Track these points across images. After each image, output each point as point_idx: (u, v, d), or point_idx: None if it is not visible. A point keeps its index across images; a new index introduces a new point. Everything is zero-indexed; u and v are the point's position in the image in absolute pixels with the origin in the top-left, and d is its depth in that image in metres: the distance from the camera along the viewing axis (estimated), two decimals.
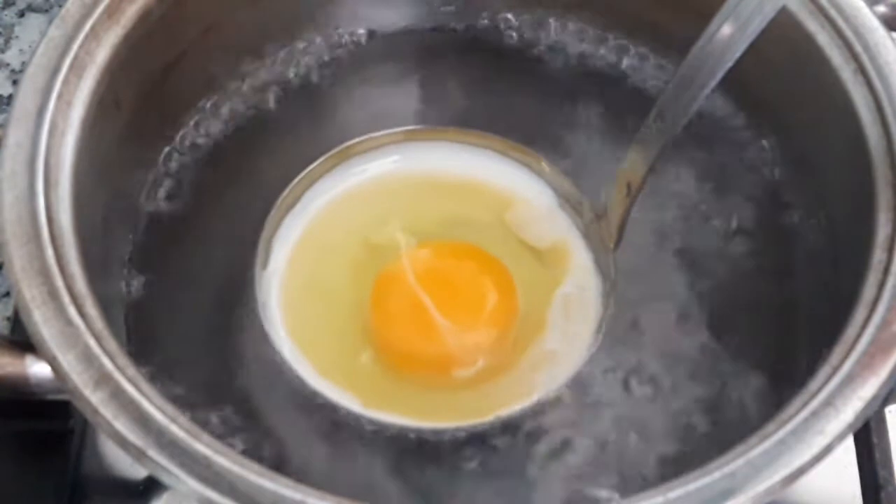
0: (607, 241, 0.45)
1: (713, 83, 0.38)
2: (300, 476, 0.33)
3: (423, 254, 0.46)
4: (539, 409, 0.42)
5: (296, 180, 0.47)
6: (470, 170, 0.49)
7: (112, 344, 0.35)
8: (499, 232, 0.48)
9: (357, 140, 0.49)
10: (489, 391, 0.44)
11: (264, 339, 0.44)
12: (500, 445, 0.42)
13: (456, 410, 0.43)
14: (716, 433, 0.42)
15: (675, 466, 0.40)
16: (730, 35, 0.37)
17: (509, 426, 0.42)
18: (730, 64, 0.37)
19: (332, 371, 0.44)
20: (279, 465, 0.41)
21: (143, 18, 0.43)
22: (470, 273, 0.46)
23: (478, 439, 0.42)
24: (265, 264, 0.46)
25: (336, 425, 0.42)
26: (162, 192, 0.47)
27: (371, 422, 0.42)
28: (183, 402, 0.37)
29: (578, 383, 0.43)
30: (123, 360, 0.35)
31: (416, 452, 0.42)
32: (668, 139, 0.40)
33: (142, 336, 0.44)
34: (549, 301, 0.46)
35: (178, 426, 0.33)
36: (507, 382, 0.44)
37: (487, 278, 0.45)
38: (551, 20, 0.52)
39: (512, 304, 0.45)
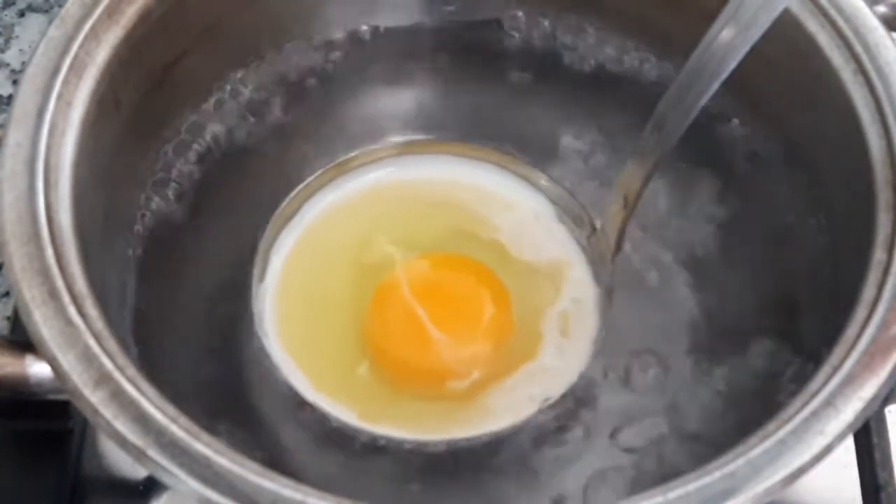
0: (605, 253, 0.45)
1: (711, 91, 0.38)
2: None
3: (419, 266, 0.46)
4: (534, 422, 0.42)
5: (293, 193, 0.47)
6: (467, 183, 0.49)
7: (112, 344, 0.35)
8: (496, 245, 0.48)
9: (355, 153, 0.49)
10: (485, 404, 0.44)
11: (261, 350, 0.44)
12: (496, 458, 0.42)
13: (452, 423, 0.43)
14: (716, 435, 0.42)
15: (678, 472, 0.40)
16: (729, 41, 0.37)
17: (504, 439, 0.42)
18: (728, 71, 0.37)
19: (329, 383, 0.44)
20: None
21: (143, 18, 0.43)
22: (466, 286, 0.46)
23: (473, 452, 0.42)
24: (262, 277, 0.46)
25: (331, 437, 0.42)
26: (162, 193, 0.47)
27: (367, 434, 0.42)
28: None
29: (574, 396, 0.43)
30: (123, 360, 0.35)
31: (411, 465, 0.42)
32: (666, 150, 0.40)
33: (140, 337, 0.44)
34: (546, 313, 0.46)
35: (178, 426, 0.33)
36: (503, 395, 0.44)
37: (483, 291, 0.45)
38: (552, 21, 0.52)
39: (507, 317, 0.45)
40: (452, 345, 0.44)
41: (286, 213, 0.47)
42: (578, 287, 0.46)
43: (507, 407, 0.43)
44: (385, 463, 0.42)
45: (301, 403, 0.43)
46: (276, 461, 0.41)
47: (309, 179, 0.48)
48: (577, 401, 0.43)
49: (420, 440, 0.42)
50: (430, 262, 0.47)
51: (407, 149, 0.50)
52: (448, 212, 0.49)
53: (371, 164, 0.49)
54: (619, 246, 0.45)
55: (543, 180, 0.49)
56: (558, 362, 0.44)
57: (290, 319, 0.46)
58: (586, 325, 0.45)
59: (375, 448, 0.42)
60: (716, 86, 0.38)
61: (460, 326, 0.44)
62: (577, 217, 0.47)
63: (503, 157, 0.49)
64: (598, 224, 0.46)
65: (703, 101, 0.38)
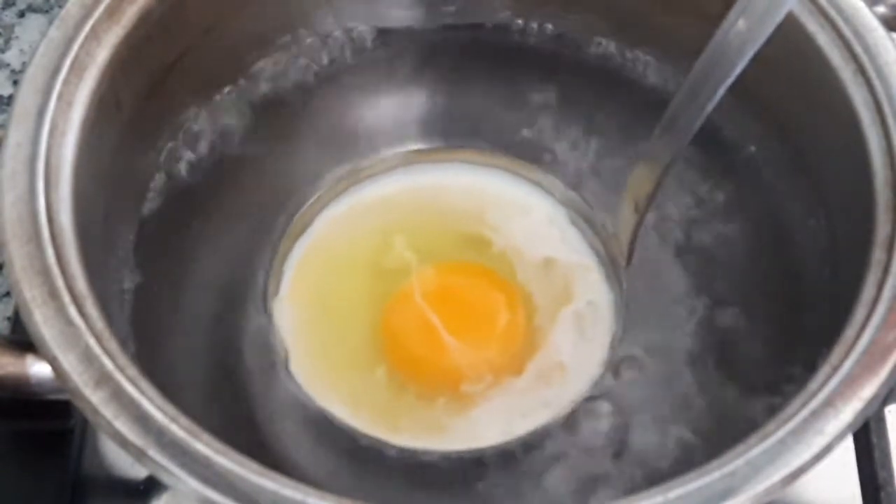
0: (619, 257, 0.45)
1: (723, 90, 0.37)
2: None
3: (433, 275, 0.46)
4: (550, 428, 0.43)
5: (305, 205, 0.48)
6: (480, 189, 0.50)
7: (112, 344, 0.35)
8: (510, 250, 0.48)
9: (366, 163, 0.49)
10: (501, 410, 0.44)
11: (272, 357, 0.44)
12: (512, 466, 0.42)
13: (469, 432, 0.43)
14: (719, 435, 0.42)
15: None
16: (742, 35, 0.36)
17: (522, 446, 0.42)
18: (740, 67, 0.37)
19: (344, 391, 0.44)
20: None
21: (144, 19, 0.43)
22: (479, 293, 0.46)
23: (490, 460, 0.42)
24: (277, 288, 0.46)
25: (345, 446, 0.42)
26: (163, 193, 0.47)
27: (382, 444, 0.42)
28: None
29: (591, 400, 0.43)
30: (124, 360, 0.35)
31: (430, 475, 0.42)
32: (676, 154, 0.40)
33: (141, 338, 0.44)
34: (561, 317, 0.46)
35: (178, 426, 0.33)
36: (519, 400, 0.44)
37: (497, 297, 0.46)
38: (553, 21, 0.52)
39: (521, 323, 0.45)
40: (467, 349, 0.44)
41: (298, 227, 0.48)
42: (593, 290, 0.47)
43: (524, 413, 0.44)
44: (400, 473, 0.42)
45: (315, 411, 0.43)
46: (284, 467, 0.41)
47: (321, 192, 0.48)
48: (595, 401, 0.43)
49: (440, 450, 0.42)
50: (443, 270, 0.47)
51: (418, 157, 0.50)
52: (461, 218, 0.49)
53: (382, 174, 0.50)
54: (632, 249, 0.45)
55: (556, 185, 0.49)
56: (575, 365, 0.45)
57: (306, 329, 0.46)
58: (602, 328, 0.46)
59: (390, 457, 0.42)
60: (727, 84, 0.37)
61: (475, 332, 0.45)
62: (590, 221, 0.47)
63: (515, 162, 0.49)
64: (610, 227, 0.46)
65: (715, 101, 0.38)
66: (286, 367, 0.44)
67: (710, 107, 0.38)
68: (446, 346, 0.44)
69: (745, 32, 0.36)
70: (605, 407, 0.43)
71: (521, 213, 0.49)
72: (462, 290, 0.47)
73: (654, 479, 0.40)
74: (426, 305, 0.45)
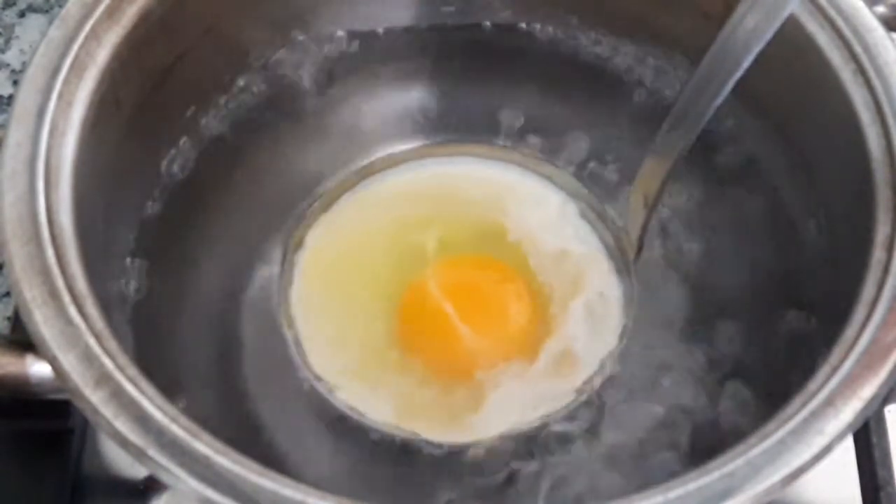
0: (628, 251, 0.46)
1: (730, 85, 0.38)
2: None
3: (445, 267, 0.47)
4: (562, 417, 0.43)
5: (316, 201, 0.48)
6: (490, 182, 0.50)
7: (112, 344, 0.35)
8: (521, 242, 0.48)
9: (375, 157, 0.49)
10: (511, 400, 0.44)
11: (286, 352, 0.44)
12: (523, 455, 0.42)
13: (481, 421, 0.44)
14: (719, 433, 0.42)
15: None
16: (750, 30, 0.36)
17: (533, 435, 0.43)
18: (748, 62, 0.37)
19: (359, 382, 0.44)
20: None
21: (144, 19, 0.43)
22: (492, 284, 0.47)
23: (500, 449, 0.42)
24: (288, 282, 0.46)
25: (356, 439, 0.43)
26: (163, 193, 0.47)
27: (399, 436, 0.42)
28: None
29: (600, 389, 0.44)
30: (124, 360, 0.35)
31: (439, 465, 0.42)
32: (683, 148, 0.40)
33: (142, 337, 0.44)
34: (571, 308, 0.46)
35: (178, 426, 0.33)
36: (531, 390, 0.44)
37: (509, 288, 0.46)
38: (553, 21, 0.52)
39: (533, 314, 0.46)
40: (481, 338, 0.45)
41: (308, 219, 0.48)
42: (603, 282, 0.47)
43: (535, 404, 0.44)
44: (413, 463, 0.42)
45: (326, 404, 0.43)
46: (287, 464, 0.42)
47: (329, 187, 0.48)
48: (604, 392, 0.44)
49: (452, 443, 0.42)
50: (456, 262, 0.47)
51: (427, 151, 0.50)
52: (472, 211, 0.49)
53: (393, 168, 0.50)
54: (641, 243, 0.45)
55: (564, 178, 0.49)
56: (586, 356, 0.45)
57: (317, 321, 0.46)
58: (612, 319, 0.46)
59: (403, 450, 0.42)
60: (735, 79, 0.37)
61: (489, 323, 0.45)
62: (600, 214, 0.48)
63: (525, 156, 0.50)
64: (621, 223, 0.46)
65: (722, 96, 0.38)
66: (302, 360, 0.44)
67: (717, 102, 0.38)
68: (461, 335, 0.45)
69: (752, 28, 0.36)
70: (614, 398, 0.43)
71: (531, 207, 0.49)
72: (476, 281, 0.47)
73: (659, 473, 0.41)
74: (441, 295, 0.45)
